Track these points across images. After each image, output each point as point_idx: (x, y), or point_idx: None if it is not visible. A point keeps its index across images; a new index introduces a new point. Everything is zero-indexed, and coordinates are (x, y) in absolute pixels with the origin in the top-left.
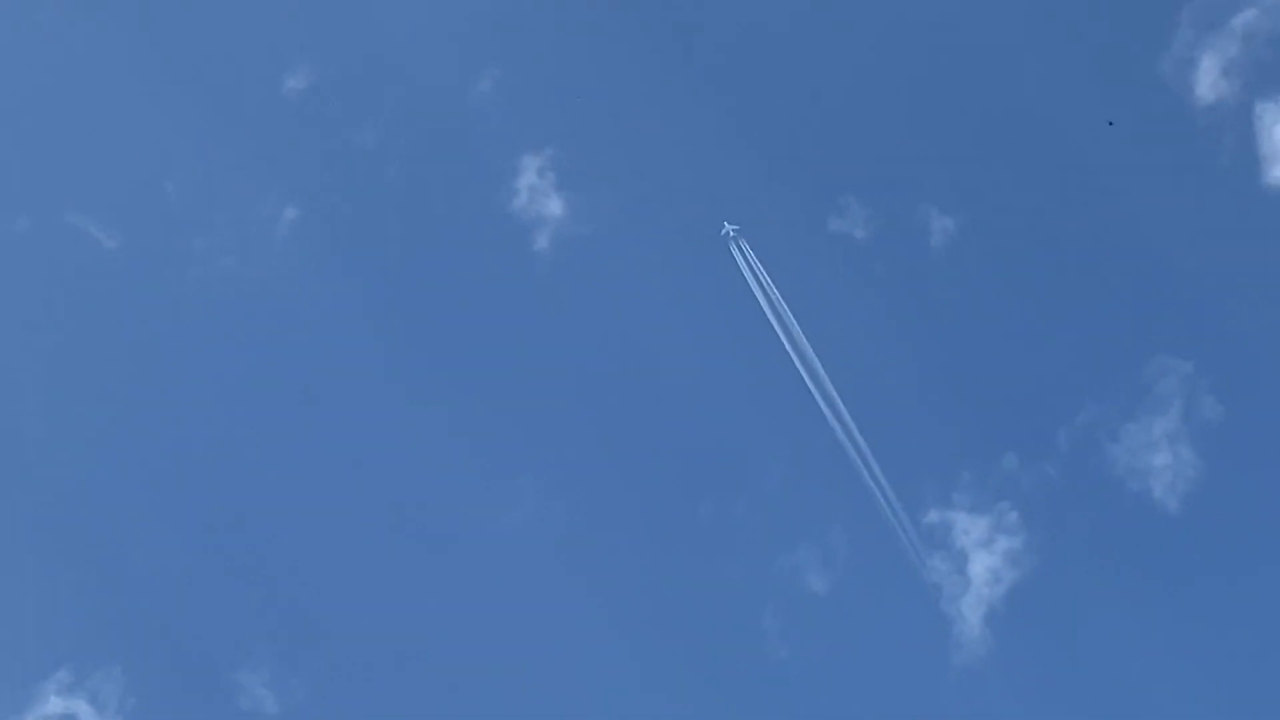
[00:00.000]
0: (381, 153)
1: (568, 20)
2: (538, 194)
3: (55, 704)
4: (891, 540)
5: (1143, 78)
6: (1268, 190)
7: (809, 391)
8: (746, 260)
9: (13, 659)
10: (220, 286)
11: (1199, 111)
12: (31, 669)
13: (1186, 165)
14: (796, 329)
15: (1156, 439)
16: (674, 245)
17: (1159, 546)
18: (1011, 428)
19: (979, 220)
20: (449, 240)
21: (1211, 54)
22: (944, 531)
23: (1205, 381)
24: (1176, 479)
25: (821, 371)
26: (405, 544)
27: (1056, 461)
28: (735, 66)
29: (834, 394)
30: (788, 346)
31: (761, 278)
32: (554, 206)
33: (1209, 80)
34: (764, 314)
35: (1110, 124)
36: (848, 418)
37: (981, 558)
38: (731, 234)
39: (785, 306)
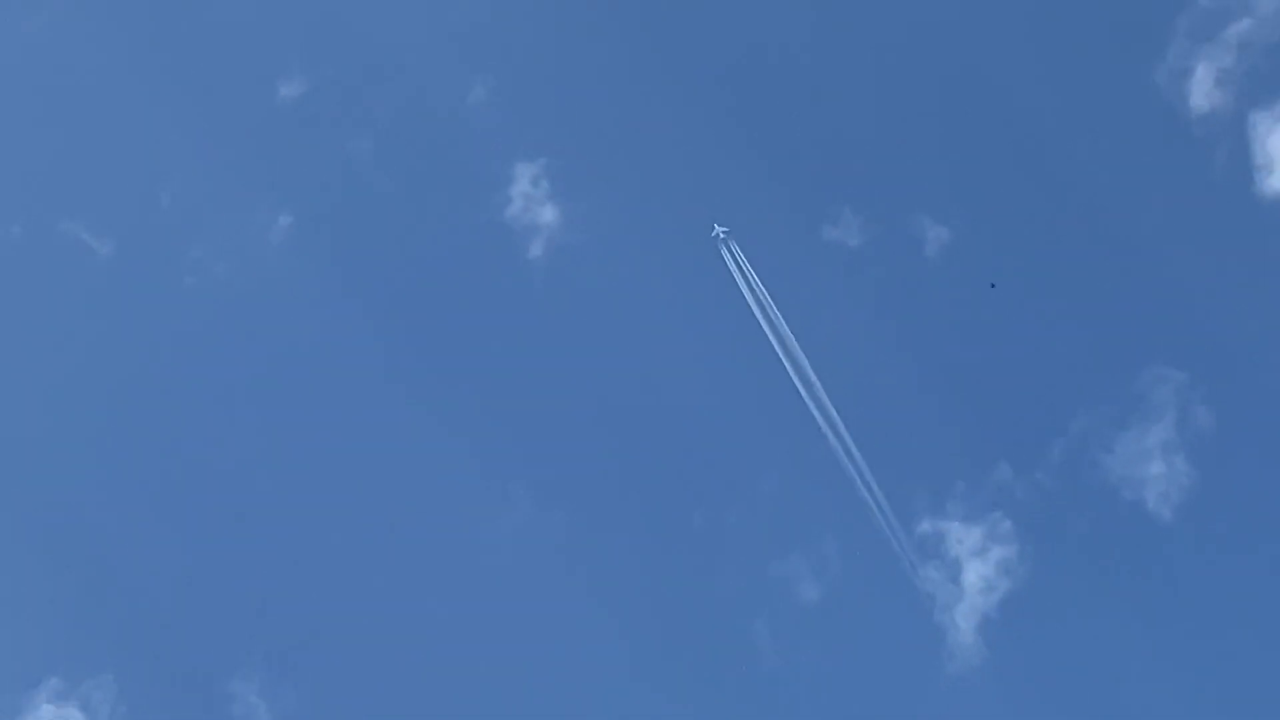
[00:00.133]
0: (376, 160)
1: (562, 28)
2: (532, 202)
3: (47, 712)
4: (885, 549)
5: (1137, 87)
6: (1262, 200)
7: (803, 400)
8: (736, 262)
9: (4, 666)
10: (214, 294)
11: (1193, 121)
12: (23, 676)
13: (1181, 175)
14: (791, 338)
15: (1150, 449)
16: (668, 254)
17: (1152, 556)
18: (1005, 437)
19: (973, 229)
20: (443, 247)
21: (1206, 64)
22: (937, 540)
23: (1199, 391)
24: (1170, 489)
25: (815, 380)
26: (399, 552)
27: (1050, 471)
28: (731, 76)
29: (828, 403)
30: (782, 355)
31: (751, 279)
32: (548, 214)
33: (1203, 90)
34: (758, 322)
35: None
36: (841, 426)
37: (975, 567)
38: (721, 235)
39: (779, 315)
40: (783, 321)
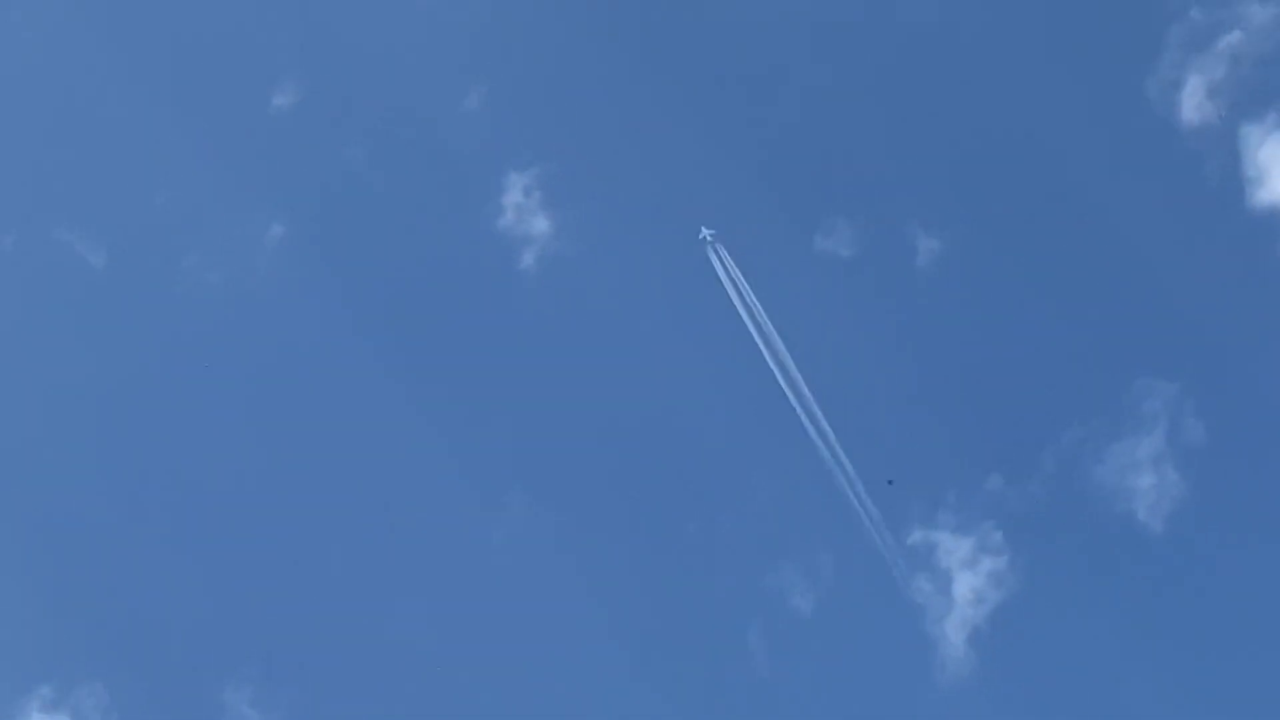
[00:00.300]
0: (368, 170)
1: (556, 37)
2: (524, 212)
3: None
4: (876, 560)
5: (1128, 99)
6: (1253, 212)
7: (795, 410)
8: (728, 272)
9: None
10: (208, 302)
11: (1185, 133)
12: (14, 684)
13: (1172, 186)
14: (783, 348)
15: (1141, 460)
16: (661, 264)
17: (1143, 567)
18: (996, 448)
19: (965, 241)
20: (436, 257)
21: (1197, 76)
22: (928, 551)
23: (1190, 403)
24: (1161, 500)
25: (807, 391)
26: (393, 560)
27: (1041, 482)
28: (724, 87)
29: (819, 413)
30: (774, 366)
31: (743, 289)
32: (540, 225)
33: (1194, 102)
34: (750, 332)
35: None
36: (833, 437)
37: (965, 578)
38: (709, 239)
39: (772, 325)
40: (775, 332)
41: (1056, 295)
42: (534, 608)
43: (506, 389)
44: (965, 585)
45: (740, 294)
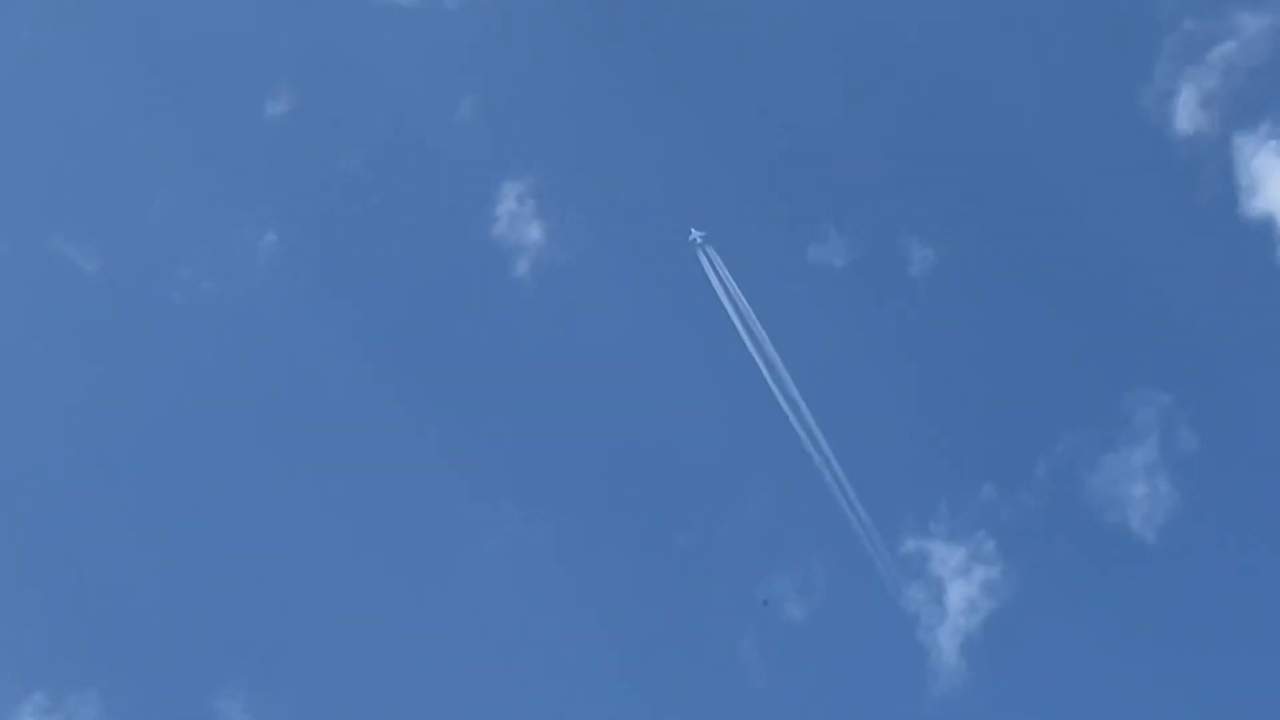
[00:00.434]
0: (362, 178)
1: (549, 47)
2: (517, 220)
3: None
4: (869, 569)
5: (1123, 109)
6: (1246, 222)
7: (789, 421)
8: (722, 281)
9: None
10: (201, 311)
11: (1178, 143)
12: (7, 692)
13: (1166, 196)
14: (776, 358)
15: (1134, 470)
16: (655, 273)
17: (1135, 577)
18: (990, 457)
19: (958, 250)
20: (429, 265)
21: (1191, 86)
22: (921, 560)
23: (1183, 413)
24: (1153, 510)
25: (801, 401)
26: (386, 569)
27: (1034, 491)
28: (718, 96)
29: (813, 423)
30: (768, 375)
31: (737, 298)
32: (534, 233)
33: (1188, 112)
34: (745, 342)
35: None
36: (826, 447)
37: (958, 587)
38: (699, 240)
39: (766, 335)
40: (769, 341)
41: (1050, 305)
42: (528, 617)
43: (501, 396)
44: (958, 594)
45: (734, 302)
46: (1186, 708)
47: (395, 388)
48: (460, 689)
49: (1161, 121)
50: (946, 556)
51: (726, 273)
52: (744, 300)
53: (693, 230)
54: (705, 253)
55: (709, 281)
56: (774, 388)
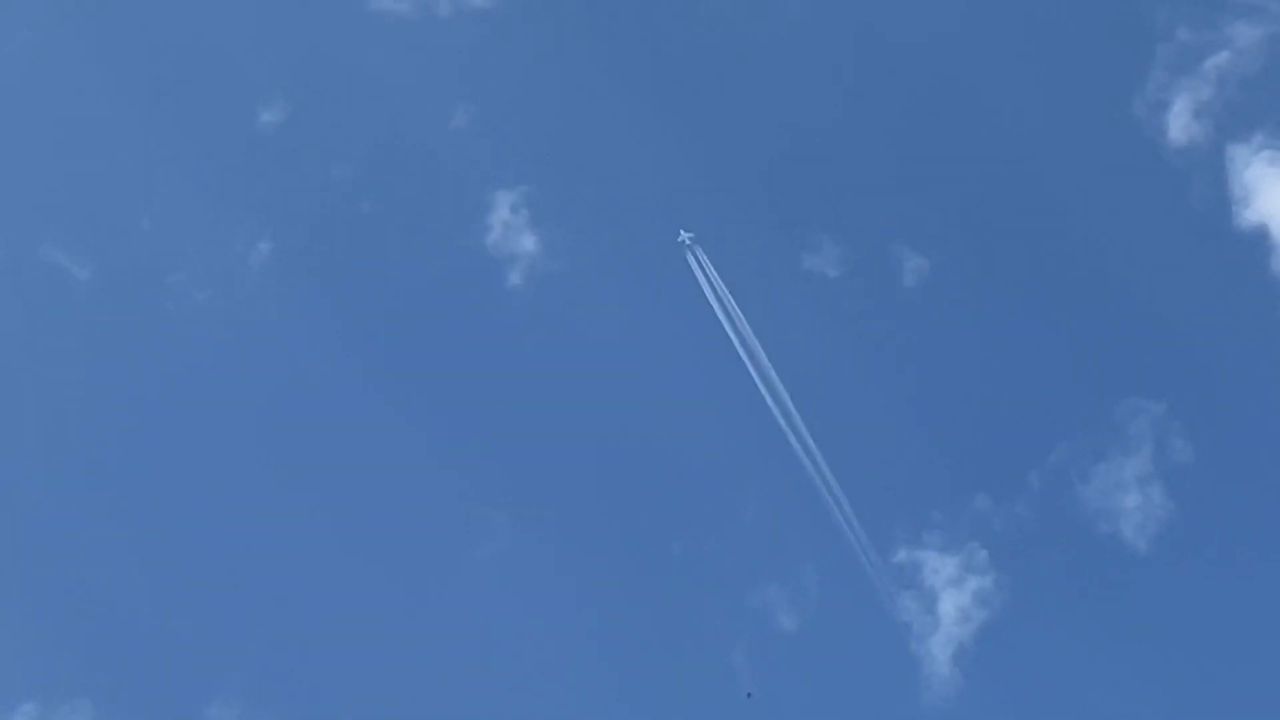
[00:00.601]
0: (355, 187)
1: (543, 56)
2: (511, 230)
3: None
4: (861, 579)
5: (1116, 119)
6: (1240, 232)
7: (781, 430)
8: (715, 291)
9: None
10: (194, 320)
11: (1172, 153)
12: None
13: (1159, 207)
14: (770, 367)
15: (1127, 480)
16: (648, 283)
17: (1129, 587)
18: (982, 467)
19: (952, 259)
20: (423, 275)
21: (1184, 96)
22: (914, 570)
23: (1177, 423)
24: (1147, 520)
25: (794, 410)
26: (378, 579)
27: (1027, 501)
28: (712, 105)
29: (805, 433)
30: (761, 385)
31: (730, 308)
32: (527, 243)
33: (1181, 122)
34: (738, 352)
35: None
36: (819, 456)
37: (951, 597)
38: (688, 242)
39: (759, 344)
40: (762, 351)
41: (1043, 314)
42: (519, 626)
43: (494, 407)
44: (951, 604)
45: (728, 312)
46: (1179, 717)
47: (388, 396)
48: (453, 697)
49: (1155, 132)
50: (939, 566)
51: (721, 284)
52: (739, 312)
53: (681, 231)
54: (699, 262)
55: (704, 293)
56: (767, 397)
